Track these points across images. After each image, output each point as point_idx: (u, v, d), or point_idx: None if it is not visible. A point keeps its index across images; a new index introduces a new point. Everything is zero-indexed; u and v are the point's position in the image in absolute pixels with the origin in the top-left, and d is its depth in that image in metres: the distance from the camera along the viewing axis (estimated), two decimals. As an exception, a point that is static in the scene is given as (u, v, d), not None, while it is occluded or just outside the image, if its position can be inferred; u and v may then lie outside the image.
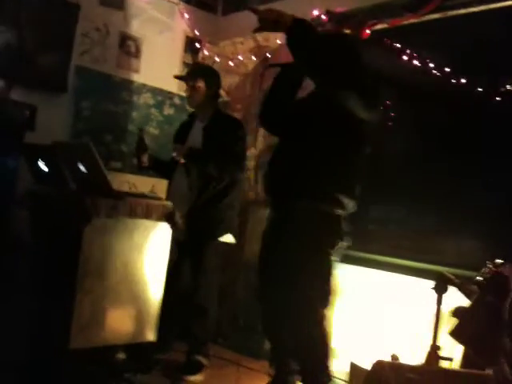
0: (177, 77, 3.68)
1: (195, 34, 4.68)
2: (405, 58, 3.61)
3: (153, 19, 4.48)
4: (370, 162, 2.74)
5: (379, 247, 3.60)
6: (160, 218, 3.08)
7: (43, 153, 3.14)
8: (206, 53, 4.71)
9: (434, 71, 3.57)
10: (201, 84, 3.47)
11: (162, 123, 4.53)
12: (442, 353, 2.54)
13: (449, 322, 2.56)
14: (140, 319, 3.05)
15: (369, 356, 2.96)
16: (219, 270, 3.56)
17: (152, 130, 4.49)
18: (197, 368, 3.36)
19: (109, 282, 2.89)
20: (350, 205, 2.66)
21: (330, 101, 2.59)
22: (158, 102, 4.54)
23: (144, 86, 4.46)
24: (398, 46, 3.64)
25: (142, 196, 3.15)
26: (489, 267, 2.42)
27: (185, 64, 4.63)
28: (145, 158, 3.49)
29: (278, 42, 4.11)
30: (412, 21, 3.50)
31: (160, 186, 3.88)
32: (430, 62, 3.58)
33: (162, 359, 3.44)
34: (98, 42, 4.22)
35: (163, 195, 3.56)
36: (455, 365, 2.64)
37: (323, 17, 3.75)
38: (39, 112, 3.59)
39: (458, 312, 2.43)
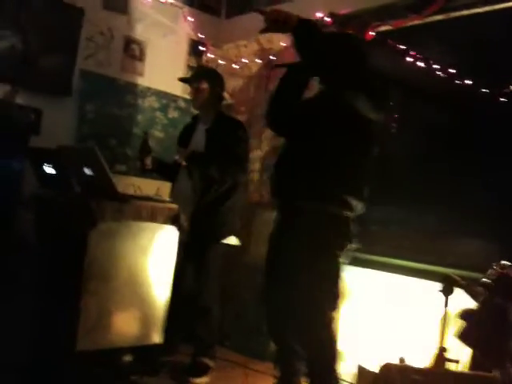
0: (181, 79, 3.70)
1: (199, 37, 4.69)
2: (409, 59, 3.60)
3: (157, 23, 4.50)
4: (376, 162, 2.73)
5: (383, 248, 3.59)
6: (165, 221, 3.09)
7: (48, 156, 3.16)
8: (209, 56, 4.72)
9: (438, 72, 3.57)
10: (205, 86, 3.49)
11: (166, 126, 4.54)
12: (448, 355, 2.54)
13: (455, 324, 2.56)
14: (146, 322, 3.06)
15: (375, 358, 2.96)
16: (222, 271, 3.56)
17: (157, 133, 4.50)
18: (203, 370, 3.36)
19: (114, 284, 2.90)
20: (359, 206, 2.64)
21: (338, 101, 2.57)
22: (162, 105, 4.55)
23: (148, 89, 4.47)
24: (403, 47, 3.63)
25: (148, 199, 3.16)
26: (495, 269, 2.41)
27: (189, 67, 4.65)
28: (148, 161, 3.50)
29: (282, 44, 4.11)
30: (416, 22, 3.50)
31: (165, 188, 3.88)
32: (434, 63, 3.57)
33: (168, 361, 3.44)
34: (102, 46, 4.24)
35: (168, 198, 3.57)
36: (462, 367, 2.63)
37: (327, 19, 3.76)
38: (44, 116, 3.60)
39: (465, 314, 2.43)
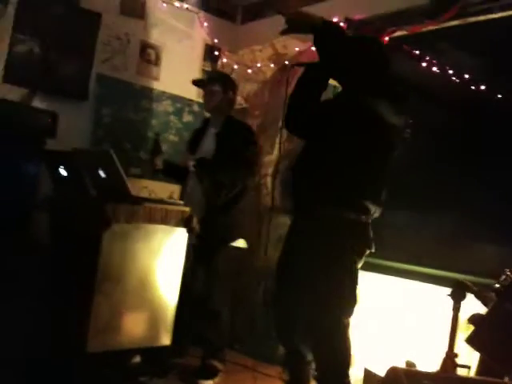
0: (194, 81, 3.73)
1: (214, 43, 4.72)
2: (424, 64, 3.60)
3: (173, 28, 4.54)
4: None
5: (394, 253, 3.58)
6: (178, 224, 3.11)
7: (64, 159, 3.19)
8: (225, 61, 4.75)
9: (453, 77, 3.55)
10: (217, 89, 3.52)
11: (181, 130, 4.58)
12: (458, 360, 2.52)
13: (466, 330, 2.54)
14: (155, 323, 3.08)
15: (384, 362, 2.95)
16: (232, 275, 3.58)
17: (171, 136, 4.54)
18: (212, 373, 3.37)
19: (125, 286, 2.93)
20: (376, 211, 2.62)
21: (360, 104, 2.53)
22: (177, 109, 4.58)
23: (163, 93, 4.51)
24: (417, 52, 3.63)
25: (161, 202, 3.18)
26: (507, 274, 2.39)
27: (204, 72, 4.68)
28: (159, 161, 3.54)
29: (297, 49, 4.13)
30: (431, 27, 3.50)
31: (179, 192, 3.91)
32: (449, 68, 3.56)
33: (178, 364, 3.46)
34: (118, 51, 4.28)
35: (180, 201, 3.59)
36: (472, 372, 2.61)
37: (342, 24, 3.76)
38: (60, 119, 3.64)
39: (474, 319, 2.41)
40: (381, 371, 2.69)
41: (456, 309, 2.55)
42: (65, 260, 3.04)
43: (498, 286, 2.38)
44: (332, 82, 2.80)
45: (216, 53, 4.76)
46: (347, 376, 2.62)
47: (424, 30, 3.54)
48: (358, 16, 3.75)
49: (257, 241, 4.03)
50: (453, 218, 3.48)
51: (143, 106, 4.42)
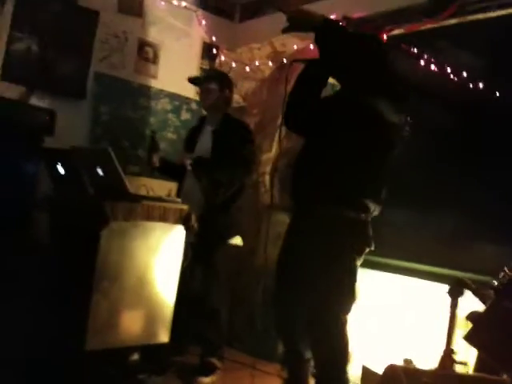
0: (190, 79, 3.72)
1: (212, 41, 4.72)
2: (422, 62, 3.60)
3: (171, 26, 4.53)
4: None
5: (392, 251, 3.59)
6: (176, 221, 3.11)
7: (62, 157, 3.19)
8: (223, 59, 4.75)
9: (451, 76, 3.55)
10: (213, 87, 3.52)
11: (179, 128, 4.57)
12: (456, 357, 2.53)
13: (465, 327, 2.55)
14: (154, 321, 3.09)
15: (382, 360, 2.95)
16: (232, 273, 3.58)
17: (169, 134, 4.54)
18: (210, 370, 3.38)
19: (124, 283, 2.93)
20: (376, 209, 2.62)
21: (360, 102, 2.53)
22: (175, 107, 4.58)
23: (161, 91, 4.50)
24: (415, 50, 3.63)
25: (159, 199, 3.18)
26: (505, 272, 2.39)
27: (202, 70, 4.68)
28: (156, 159, 3.54)
29: (295, 47, 4.13)
30: (429, 26, 3.50)
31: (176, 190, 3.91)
32: (447, 66, 3.56)
33: (176, 361, 3.47)
34: (116, 49, 4.28)
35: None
36: (470, 369, 2.62)
37: (340, 22, 3.76)
38: (58, 117, 3.63)
39: (473, 316, 2.42)
40: (379, 369, 2.69)
41: (454, 306, 2.56)
42: (64, 258, 3.04)
43: (496, 283, 2.38)
44: (331, 80, 2.80)
45: (214, 51, 4.76)
46: (345, 373, 2.63)
47: (422, 28, 3.55)
48: (356, 14, 3.75)
49: (255, 239, 4.03)
50: (452, 216, 3.48)
51: (141, 104, 4.41)
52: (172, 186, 3.86)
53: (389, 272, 3.54)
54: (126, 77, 4.33)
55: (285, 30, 2.65)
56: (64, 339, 2.87)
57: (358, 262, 2.62)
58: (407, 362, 2.86)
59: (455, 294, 2.56)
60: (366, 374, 3.07)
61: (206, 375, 3.35)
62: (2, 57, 3.76)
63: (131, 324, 3.01)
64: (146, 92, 4.43)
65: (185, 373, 3.35)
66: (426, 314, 3.23)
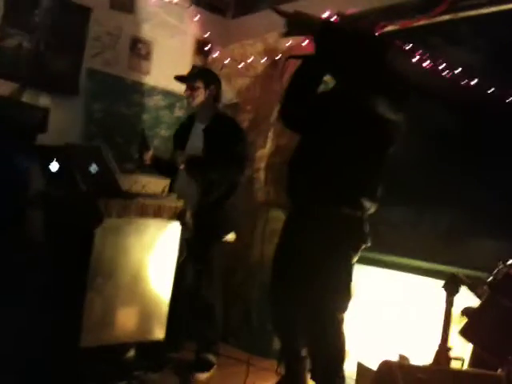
0: (177, 77, 3.71)
1: (205, 37, 4.70)
2: (415, 59, 3.60)
3: (163, 22, 4.51)
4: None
5: (389, 247, 3.60)
6: (171, 218, 3.11)
7: (55, 154, 3.18)
8: (216, 55, 4.73)
9: (445, 72, 3.56)
10: (200, 85, 3.51)
11: (172, 125, 4.55)
12: (452, 353, 2.54)
13: (460, 322, 2.56)
14: (149, 318, 3.08)
15: (377, 356, 2.96)
16: (227, 269, 3.58)
17: (163, 131, 4.52)
18: (206, 366, 3.39)
19: (118, 280, 2.92)
20: (372, 207, 2.63)
21: (354, 99, 2.53)
22: (168, 103, 4.56)
23: (155, 88, 4.48)
24: (408, 47, 3.63)
25: (154, 196, 3.17)
26: (500, 268, 2.41)
27: (195, 67, 4.65)
28: (147, 157, 3.52)
29: (288, 44, 4.12)
30: (422, 22, 3.50)
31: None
32: (441, 62, 3.57)
33: (173, 358, 3.48)
34: (109, 45, 4.25)
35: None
36: (466, 365, 2.63)
37: (334, 18, 3.75)
38: (51, 114, 3.61)
39: (468, 311, 2.43)
40: (374, 365, 2.70)
41: (449, 301, 2.56)
42: (58, 256, 3.02)
43: (491, 279, 2.40)
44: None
45: (207, 47, 4.74)
46: (341, 370, 2.64)
47: (415, 24, 3.55)
48: (350, 10, 3.74)
49: (251, 235, 4.03)
50: (447, 213, 3.50)
51: (134, 101, 4.39)
52: (167, 182, 3.84)
53: (384, 268, 3.55)
54: (119, 73, 4.30)
55: (284, 35, 2.64)
56: (59, 336, 2.85)
57: (354, 260, 2.63)
58: (402, 357, 2.87)
59: (450, 289, 2.57)
60: (361, 370, 3.08)
61: (202, 371, 3.36)
62: (-7, 53, 3.73)
63: (126, 321, 3.00)
64: (139, 89, 4.41)
65: (181, 369, 3.36)
66: (421, 309, 3.24)
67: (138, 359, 3.10)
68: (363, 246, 2.62)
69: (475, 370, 2.35)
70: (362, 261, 2.82)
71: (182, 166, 3.39)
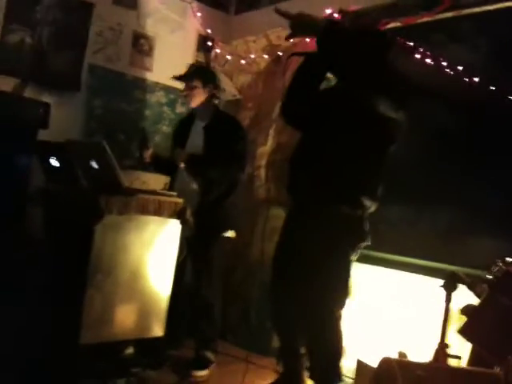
0: (174, 77, 3.71)
1: (207, 33, 4.69)
2: (417, 56, 3.58)
3: (166, 18, 4.50)
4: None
5: (388, 246, 3.59)
6: (171, 215, 3.11)
7: (56, 150, 3.17)
8: (218, 51, 4.73)
9: (447, 70, 3.54)
10: (197, 84, 3.49)
11: (174, 121, 4.54)
12: (450, 351, 2.53)
13: (459, 321, 2.55)
14: (148, 315, 3.09)
15: (376, 353, 2.96)
16: (227, 267, 3.58)
17: (164, 128, 4.52)
18: (204, 363, 3.39)
19: (118, 277, 2.93)
20: (372, 206, 2.63)
21: (359, 100, 2.52)
22: (170, 100, 4.56)
23: (157, 84, 4.48)
24: (411, 44, 3.62)
25: (154, 193, 3.17)
26: (499, 266, 2.40)
27: (197, 63, 4.64)
28: (147, 155, 3.52)
29: (291, 40, 4.11)
30: (425, 19, 3.49)
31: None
32: (443, 60, 3.55)
33: (172, 355, 3.48)
34: (111, 41, 4.25)
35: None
36: (464, 363, 2.63)
37: (336, 15, 3.74)
38: (53, 110, 3.60)
39: (467, 310, 2.42)
40: (374, 362, 2.70)
41: (448, 300, 2.56)
42: (58, 252, 3.03)
43: (490, 277, 2.39)
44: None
45: (209, 43, 4.73)
46: (339, 367, 2.64)
47: (418, 21, 3.53)
48: (352, 7, 3.73)
49: (251, 233, 4.03)
50: (446, 211, 3.49)
51: (136, 97, 4.39)
52: (167, 179, 3.85)
53: (383, 266, 3.54)
54: (121, 69, 4.30)
55: (288, 37, 2.64)
56: (58, 333, 2.87)
57: (353, 258, 2.63)
58: (401, 355, 2.87)
59: (449, 287, 2.56)
60: (361, 367, 3.08)
61: (201, 369, 3.35)
62: (-5, 49, 3.74)
63: (126, 318, 3.01)
64: (140, 85, 4.41)
65: (179, 366, 3.35)
66: (421, 307, 3.24)
67: (137, 356, 3.11)
68: (363, 245, 2.62)
69: (473, 368, 2.35)
70: (361, 259, 2.82)
71: (182, 165, 3.39)
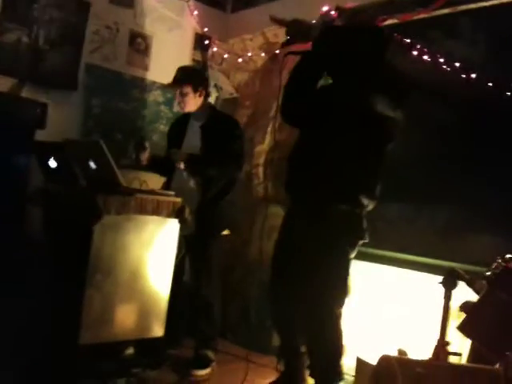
0: (165, 86, 3.69)
1: (204, 32, 4.68)
2: (414, 53, 3.58)
3: (162, 17, 4.49)
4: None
5: (388, 243, 3.59)
6: (169, 215, 3.10)
7: (54, 150, 3.17)
8: (215, 50, 4.72)
9: (444, 66, 3.54)
10: (188, 90, 3.48)
11: (171, 120, 4.53)
12: (450, 348, 2.54)
13: (458, 317, 2.56)
14: (148, 315, 3.09)
15: (376, 351, 2.96)
16: (226, 266, 3.58)
17: (162, 127, 4.51)
18: (205, 363, 3.39)
19: (117, 277, 2.93)
20: (370, 205, 2.64)
21: (357, 99, 2.52)
22: (167, 99, 4.55)
23: (154, 83, 4.47)
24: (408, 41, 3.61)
25: (152, 193, 3.17)
26: (498, 262, 2.41)
27: (194, 61, 4.65)
28: (144, 157, 3.50)
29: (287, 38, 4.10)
30: (422, 16, 3.48)
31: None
32: (440, 57, 3.55)
33: (171, 354, 3.48)
34: (108, 40, 4.24)
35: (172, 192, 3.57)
36: (464, 360, 2.63)
37: (333, 12, 3.74)
38: (50, 110, 3.61)
39: (466, 307, 2.43)
40: (373, 360, 2.70)
41: (448, 297, 2.56)
42: (57, 252, 3.02)
43: (489, 273, 2.40)
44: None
45: (206, 42, 4.72)
46: (339, 365, 2.65)
47: (415, 18, 3.53)
48: (349, 4, 3.72)
49: (249, 232, 4.03)
50: (445, 207, 3.49)
51: (133, 96, 4.38)
52: (165, 179, 3.84)
53: (383, 263, 3.55)
54: (118, 68, 4.29)
55: (285, 44, 2.66)
56: (58, 333, 2.86)
57: (352, 256, 2.63)
58: (401, 352, 2.87)
59: (449, 284, 2.57)
60: (360, 365, 3.08)
61: (201, 368, 3.35)
62: (-9, 48, 3.72)
63: (125, 318, 3.01)
64: (138, 84, 4.40)
65: (179, 366, 3.35)
66: (420, 304, 3.24)
67: (137, 356, 3.11)
68: (361, 242, 2.62)
69: (473, 365, 2.36)
70: (360, 256, 2.82)
71: (181, 165, 3.38)
